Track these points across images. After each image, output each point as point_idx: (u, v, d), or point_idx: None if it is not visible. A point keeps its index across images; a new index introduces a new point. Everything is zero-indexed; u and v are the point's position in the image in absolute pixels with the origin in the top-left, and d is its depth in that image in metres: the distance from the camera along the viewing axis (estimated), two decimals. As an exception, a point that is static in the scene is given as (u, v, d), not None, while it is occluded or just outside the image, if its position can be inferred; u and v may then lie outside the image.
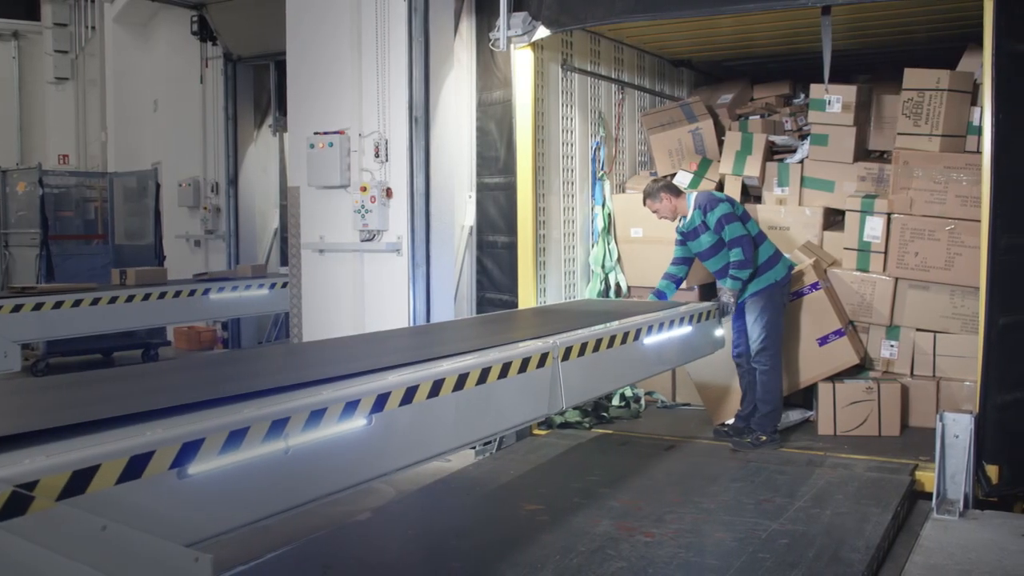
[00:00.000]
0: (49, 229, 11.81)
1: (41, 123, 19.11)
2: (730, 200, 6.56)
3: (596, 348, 4.84)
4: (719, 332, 6.28)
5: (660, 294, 6.62)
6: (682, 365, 7.14)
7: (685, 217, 6.55)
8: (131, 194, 13.04)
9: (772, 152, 8.07)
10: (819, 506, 5.13)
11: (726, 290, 6.35)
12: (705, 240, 6.47)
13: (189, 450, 2.64)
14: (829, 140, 7.50)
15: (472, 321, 6.41)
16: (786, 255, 6.69)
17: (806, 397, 7.11)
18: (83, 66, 17.88)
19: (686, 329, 5.80)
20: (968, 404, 6.36)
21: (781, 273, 6.42)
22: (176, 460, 2.61)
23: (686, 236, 6.61)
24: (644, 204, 6.70)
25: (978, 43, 5.93)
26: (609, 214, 7.94)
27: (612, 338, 4.97)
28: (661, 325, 5.47)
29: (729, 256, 6.35)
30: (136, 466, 2.50)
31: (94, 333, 9.54)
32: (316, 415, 3.10)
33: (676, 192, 6.63)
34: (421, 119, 6.86)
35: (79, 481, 2.35)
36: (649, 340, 5.35)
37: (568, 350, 4.60)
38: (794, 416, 6.90)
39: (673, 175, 8.35)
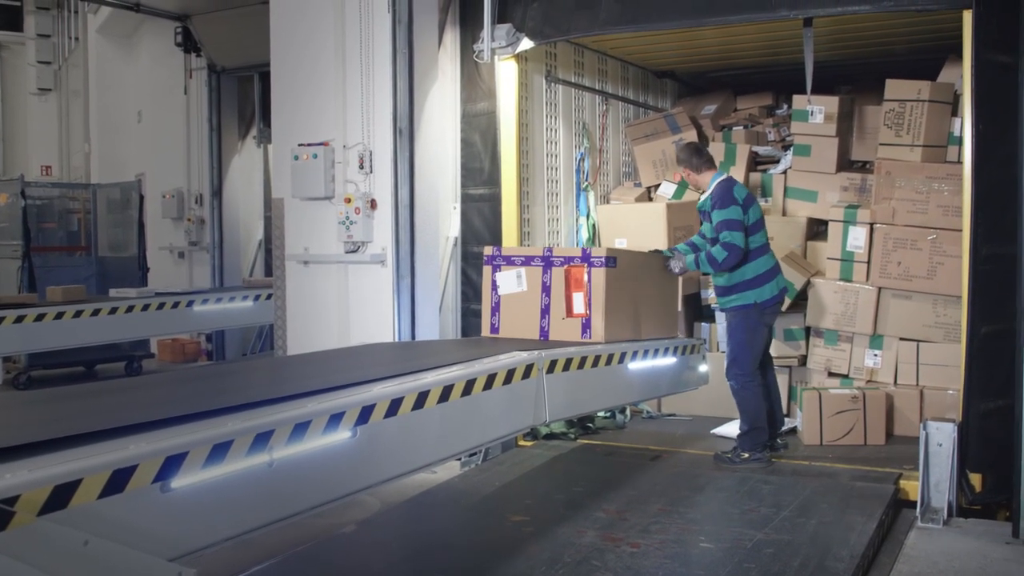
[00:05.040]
0: (31, 241, 11.75)
1: (23, 134, 19.05)
2: (745, 203, 6.10)
3: (581, 366, 4.88)
4: (704, 368, 6.33)
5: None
6: (666, 396, 7.19)
7: (704, 194, 6.31)
8: (114, 205, 13.00)
9: (755, 163, 8.11)
10: (804, 515, 5.14)
11: (681, 262, 6.04)
12: (707, 229, 6.29)
13: (172, 464, 2.64)
14: (812, 150, 7.55)
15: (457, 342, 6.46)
16: (782, 278, 6.34)
17: (790, 407, 7.14)
18: (66, 77, 17.83)
19: (671, 360, 5.84)
20: (951, 413, 6.38)
21: (765, 295, 6.17)
22: (159, 474, 2.60)
23: (701, 212, 6.38)
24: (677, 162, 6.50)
25: (958, 55, 5.98)
26: (593, 225, 7.96)
27: (597, 357, 5.03)
28: (646, 352, 5.53)
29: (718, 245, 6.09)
30: (119, 480, 2.49)
31: (77, 346, 9.50)
32: (300, 428, 3.10)
33: (703, 166, 6.31)
34: (405, 130, 6.86)
35: (61, 496, 2.34)
36: (634, 365, 5.40)
37: (553, 363, 4.63)
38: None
39: (657, 186, 8.38)
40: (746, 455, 6.23)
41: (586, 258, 5.35)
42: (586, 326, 5.31)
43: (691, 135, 8.37)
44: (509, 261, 5.58)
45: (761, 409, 6.30)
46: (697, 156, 6.36)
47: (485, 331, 5.66)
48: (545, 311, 5.44)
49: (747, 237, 6.08)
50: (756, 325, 6.25)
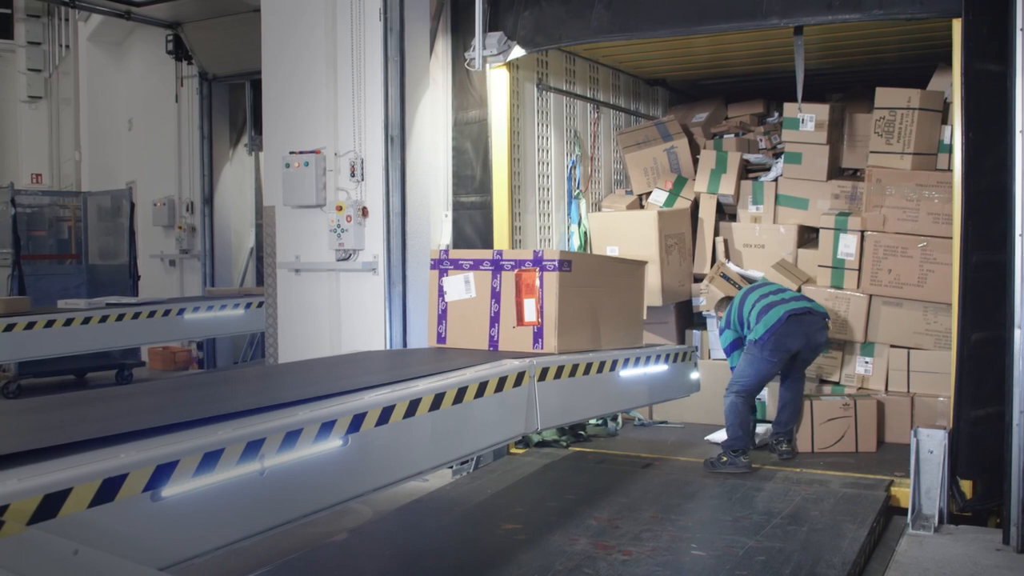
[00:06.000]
0: (21, 249, 11.71)
1: (14, 142, 19.00)
2: (727, 317, 6.68)
3: (572, 373, 4.87)
4: (695, 375, 6.36)
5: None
6: (657, 403, 7.20)
7: None
8: (105, 213, 12.97)
9: (746, 170, 8.13)
10: (796, 523, 5.14)
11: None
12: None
13: (163, 472, 2.63)
14: (803, 158, 7.57)
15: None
16: (777, 309, 6.36)
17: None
18: (57, 85, 17.80)
19: (662, 367, 5.85)
20: (942, 420, 6.41)
21: (758, 334, 6.33)
22: (150, 482, 2.59)
23: None
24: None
25: (947, 63, 6.01)
26: (585, 232, 7.97)
27: (589, 365, 5.01)
28: (638, 360, 5.53)
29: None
30: (109, 489, 2.48)
31: (67, 354, 9.45)
32: (292, 436, 3.09)
33: (720, 308, 6.98)
34: (397, 138, 6.86)
35: (51, 505, 2.33)
36: (625, 373, 5.39)
37: (545, 371, 4.63)
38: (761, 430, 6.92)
39: (649, 194, 8.40)
40: (725, 459, 6.33)
41: (538, 262, 5.02)
42: (538, 335, 5.00)
43: (682, 143, 8.40)
44: (456, 265, 5.27)
45: (739, 424, 6.38)
46: (719, 304, 7.11)
47: (431, 341, 5.36)
48: (495, 319, 5.12)
49: (741, 319, 6.56)
50: (758, 357, 6.39)
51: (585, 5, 6.50)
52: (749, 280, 7.40)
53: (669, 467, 6.50)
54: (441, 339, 5.30)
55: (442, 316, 5.31)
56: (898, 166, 6.97)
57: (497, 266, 5.12)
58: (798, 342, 6.38)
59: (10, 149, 19.08)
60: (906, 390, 6.98)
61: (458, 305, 5.24)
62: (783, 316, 6.32)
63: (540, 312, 4.99)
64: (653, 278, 7.37)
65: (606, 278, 5.58)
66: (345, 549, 4.98)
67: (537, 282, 5.00)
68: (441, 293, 5.30)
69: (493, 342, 5.13)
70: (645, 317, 6.14)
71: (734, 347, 6.71)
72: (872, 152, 7.13)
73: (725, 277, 7.55)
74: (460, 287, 5.24)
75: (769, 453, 6.61)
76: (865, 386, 7.15)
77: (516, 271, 5.06)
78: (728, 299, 6.96)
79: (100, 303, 9.43)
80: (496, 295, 5.12)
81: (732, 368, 6.67)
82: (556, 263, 4.98)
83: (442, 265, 5.32)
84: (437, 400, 3.83)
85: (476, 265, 5.20)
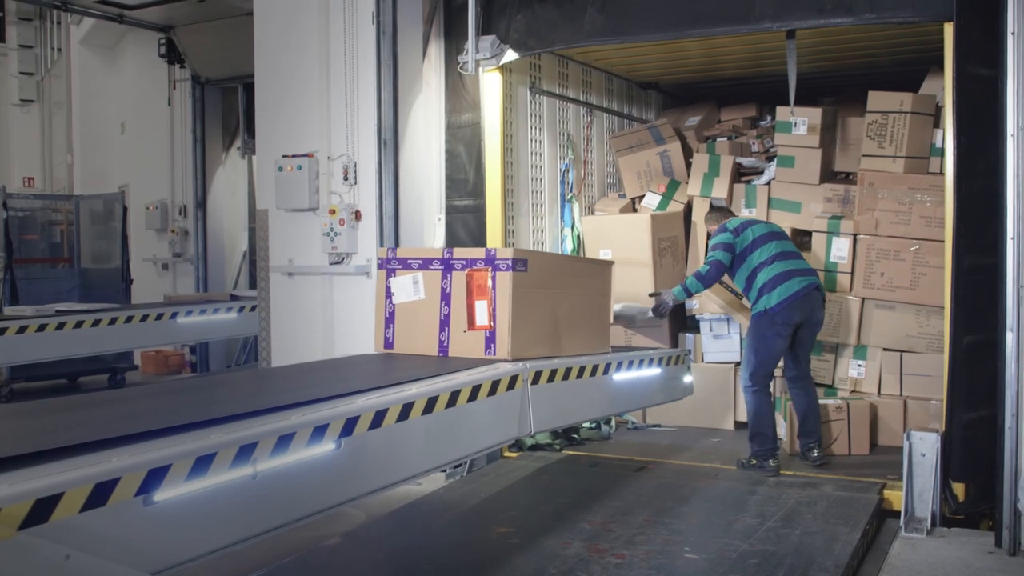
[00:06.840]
0: (13, 253, 11.68)
1: (6, 145, 18.98)
2: (738, 229, 6.44)
3: (566, 377, 4.86)
4: (688, 378, 6.37)
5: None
6: (650, 406, 7.19)
7: None
8: (98, 217, 12.95)
9: (739, 174, 8.14)
10: (789, 526, 5.15)
11: (666, 295, 6.58)
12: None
13: (155, 476, 2.62)
14: (795, 162, 7.59)
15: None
16: (796, 281, 6.29)
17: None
18: (49, 88, 17.78)
19: (655, 371, 5.85)
20: (935, 423, 6.42)
21: (772, 301, 6.26)
22: (142, 487, 2.59)
23: None
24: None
25: (939, 67, 6.03)
26: (578, 236, 7.97)
27: (582, 368, 5.01)
28: (631, 363, 5.53)
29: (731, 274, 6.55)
30: (101, 493, 2.47)
31: (59, 358, 9.39)
32: (284, 440, 3.08)
33: (714, 218, 6.85)
34: (390, 142, 6.86)
35: (42, 509, 2.32)
36: (618, 376, 5.39)
37: (538, 374, 4.62)
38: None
39: (642, 197, 8.40)
40: (755, 461, 6.34)
41: (490, 261, 4.65)
42: (490, 340, 4.65)
43: (675, 146, 8.41)
44: (405, 264, 4.90)
45: (761, 416, 6.36)
46: (711, 212, 7.03)
47: (378, 346, 5.09)
48: (445, 323, 4.76)
49: (747, 255, 6.40)
50: (765, 334, 6.33)
51: (578, 8, 6.50)
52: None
53: (662, 470, 6.50)
54: (388, 344, 5.02)
55: (389, 319, 5.00)
56: (890, 169, 6.99)
57: (447, 265, 4.78)
58: (801, 315, 6.33)
59: (2, 153, 19.05)
60: (899, 393, 6.99)
61: (406, 308, 4.91)
62: (799, 291, 6.28)
63: (492, 315, 4.65)
64: (646, 281, 7.38)
65: (568, 279, 5.23)
66: (338, 553, 4.97)
67: (489, 283, 4.64)
68: (388, 295, 4.98)
69: (443, 347, 4.80)
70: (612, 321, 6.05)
71: (725, 248, 6.41)
72: (864, 155, 7.14)
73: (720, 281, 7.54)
74: (408, 288, 4.91)
75: (800, 460, 6.57)
76: (858, 389, 7.16)
77: (467, 271, 4.71)
78: (723, 211, 6.91)
79: (49, 310, 9.26)
80: (446, 297, 4.77)
81: (713, 249, 6.43)
82: (510, 262, 4.62)
83: (389, 264, 4.97)
84: (430, 404, 3.83)
85: (425, 264, 4.85)
